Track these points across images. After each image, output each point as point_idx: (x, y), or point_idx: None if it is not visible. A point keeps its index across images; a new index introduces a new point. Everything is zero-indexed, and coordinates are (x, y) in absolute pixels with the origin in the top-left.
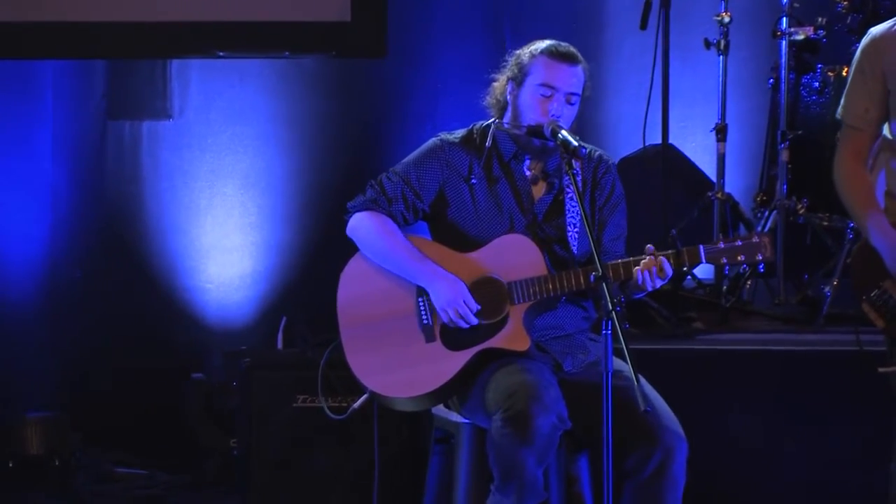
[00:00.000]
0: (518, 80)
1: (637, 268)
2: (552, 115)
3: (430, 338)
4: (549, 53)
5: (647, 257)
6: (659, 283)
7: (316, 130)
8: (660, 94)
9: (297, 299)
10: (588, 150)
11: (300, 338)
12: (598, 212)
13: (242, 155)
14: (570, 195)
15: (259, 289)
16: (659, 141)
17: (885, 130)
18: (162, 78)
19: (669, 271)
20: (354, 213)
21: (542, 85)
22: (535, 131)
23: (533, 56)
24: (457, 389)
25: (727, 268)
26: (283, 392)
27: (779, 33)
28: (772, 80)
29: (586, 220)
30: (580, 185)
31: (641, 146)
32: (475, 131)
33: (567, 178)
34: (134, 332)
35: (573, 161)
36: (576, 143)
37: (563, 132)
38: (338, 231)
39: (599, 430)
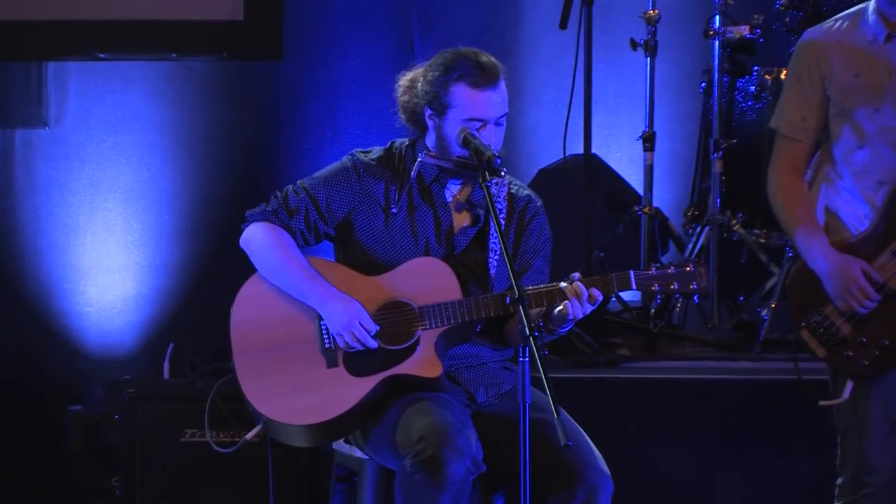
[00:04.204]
0: (438, 110)
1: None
2: (486, 144)
3: (332, 363)
4: (470, 83)
5: (574, 283)
6: (589, 309)
7: (206, 139)
8: (582, 100)
9: (185, 324)
10: (517, 189)
11: (189, 366)
12: (522, 255)
13: (125, 166)
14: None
15: (144, 313)
16: (581, 151)
17: (824, 141)
18: (37, 82)
19: (600, 297)
20: (252, 222)
21: (470, 120)
22: (465, 163)
23: (450, 83)
24: (359, 422)
25: (659, 296)
26: (171, 425)
27: (711, 32)
28: (704, 84)
29: (501, 237)
30: (501, 207)
31: (561, 156)
32: (395, 152)
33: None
34: (5, 361)
35: (489, 175)
36: (489, 153)
37: (476, 140)
38: (230, 249)
39: (516, 468)
